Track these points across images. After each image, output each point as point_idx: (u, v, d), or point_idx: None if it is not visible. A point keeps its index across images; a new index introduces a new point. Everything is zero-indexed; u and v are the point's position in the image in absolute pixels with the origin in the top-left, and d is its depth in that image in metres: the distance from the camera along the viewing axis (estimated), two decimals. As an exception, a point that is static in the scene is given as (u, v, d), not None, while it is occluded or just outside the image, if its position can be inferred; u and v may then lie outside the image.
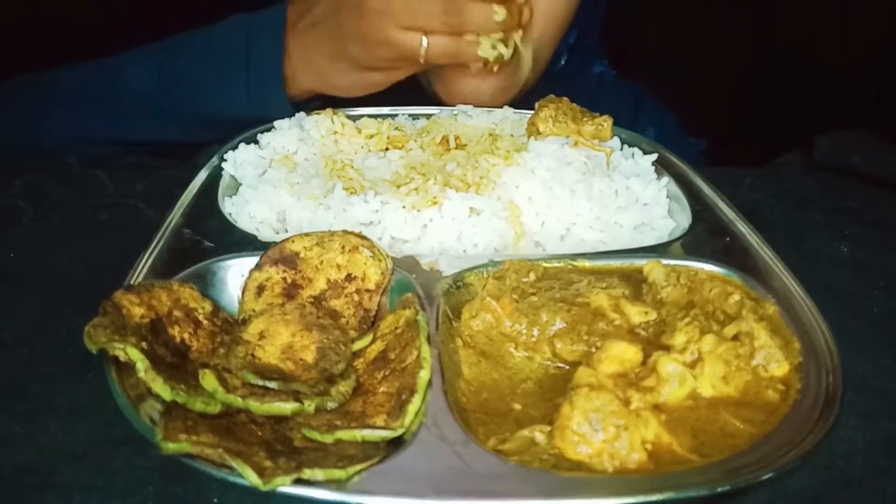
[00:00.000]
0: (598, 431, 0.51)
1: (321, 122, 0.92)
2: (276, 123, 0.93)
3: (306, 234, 0.69)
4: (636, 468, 0.50)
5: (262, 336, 0.59)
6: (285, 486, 0.47)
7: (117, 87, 1.07)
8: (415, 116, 1.00)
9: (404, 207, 0.76)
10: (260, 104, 0.99)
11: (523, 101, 1.02)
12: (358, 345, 0.62)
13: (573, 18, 1.09)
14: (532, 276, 0.68)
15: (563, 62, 1.22)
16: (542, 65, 1.11)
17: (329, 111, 0.94)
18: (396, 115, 1.00)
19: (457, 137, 0.90)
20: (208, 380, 0.53)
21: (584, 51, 1.24)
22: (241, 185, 0.84)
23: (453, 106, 1.01)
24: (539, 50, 1.07)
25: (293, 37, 0.99)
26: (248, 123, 0.97)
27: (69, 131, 1.08)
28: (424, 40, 0.89)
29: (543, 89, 1.13)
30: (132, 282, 0.65)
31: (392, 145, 0.91)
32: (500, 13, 0.90)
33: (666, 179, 0.86)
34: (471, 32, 0.90)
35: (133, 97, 1.06)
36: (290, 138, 0.91)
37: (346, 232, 0.70)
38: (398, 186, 0.80)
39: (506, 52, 0.93)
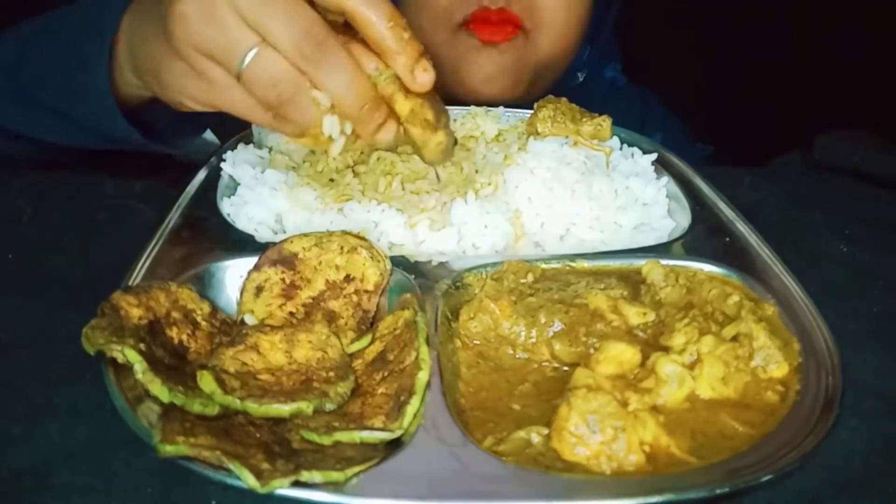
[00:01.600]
0: (595, 433, 0.51)
1: None
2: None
3: (305, 235, 0.69)
4: (634, 470, 0.50)
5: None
6: (283, 489, 0.47)
7: None
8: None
9: (404, 208, 0.76)
10: (86, 98, 0.80)
11: (524, 101, 1.02)
12: (356, 346, 0.62)
13: (585, 29, 1.11)
14: (530, 278, 0.68)
15: (581, 78, 1.22)
16: (558, 73, 1.13)
17: None
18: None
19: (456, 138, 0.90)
20: (206, 381, 0.53)
21: (598, 57, 1.24)
22: (239, 185, 0.83)
23: (472, 90, 1.03)
24: (552, 62, 1.09)
25: (128, 15, 0.76)
26: (105, 134, 0.83)
27: None
28: (254, 50, 0.61)
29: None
30: (130, 283, 0.65)
31: None
32: (383, 73, 0.64)
33: (665, 179, 0.86)
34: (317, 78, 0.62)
35: None
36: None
37: (344, 233, 0.69)
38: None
39: (336, 141, 0.65)
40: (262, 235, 0.75)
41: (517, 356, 0.63)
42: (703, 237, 0.76)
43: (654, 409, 0.54)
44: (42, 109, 0.87)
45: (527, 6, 1.04)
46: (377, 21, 0.62)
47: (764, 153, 1.10)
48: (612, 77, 1.28)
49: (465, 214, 0.75)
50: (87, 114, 0.83)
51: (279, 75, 0.61)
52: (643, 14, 1.38)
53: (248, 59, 0.61)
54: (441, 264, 0.70)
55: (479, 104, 0.99)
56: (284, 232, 0.77)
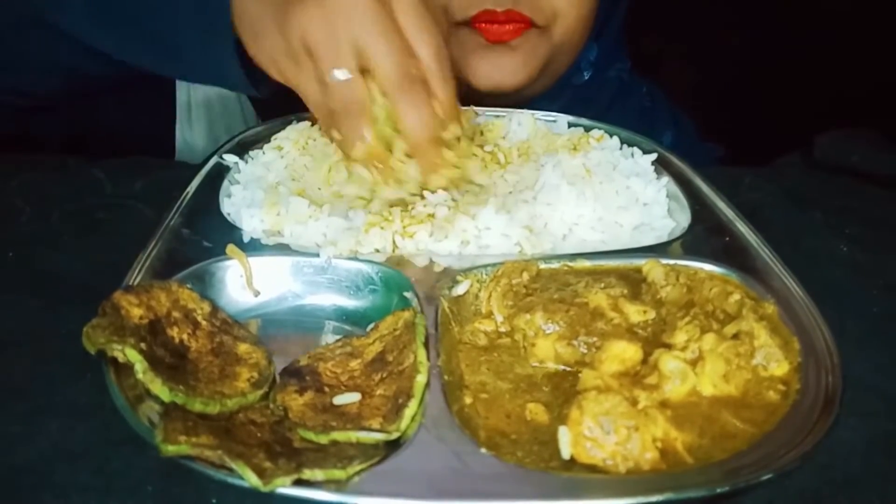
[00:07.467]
0: (609, 434, 0.50)
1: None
2: (279, 125, 0.93)
3: None
4: (650, 468, 0.50)
5: None
6: (285, 487, 0.47)
7: None
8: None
9: (406, 210, 0.76)
10: (207, 38, 0.79)
11: (530, 104, 1.02)
12: (356, 343, 0.62)
13: (594, 22, 1.10)
14: (529, 277, 0.68)
15: (586, 76, 1.21)
16: (566, 64, 1.12)
17: None
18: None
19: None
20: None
21: (604, 57, 1.23)
22: (240, 185, 0.83)
23: (481, 88, 1.02)
24: (561, 53, 1.09)
25: None
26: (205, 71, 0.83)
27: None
28: (347, 74, 0.70)
29: (561, 96, 1.14)
30: (131, 282, 0.65)
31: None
32: (453, 130, 0.74)
33: (665, 179, 0.86)
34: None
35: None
36: (292, 141, 0.90)
37: None
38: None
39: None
40: (263, 235, 0.75)
41: (517, 356, 0.63)
42: (703, 237, 0.76)
43: (662, 405, 0.54)
44: (133, 28, 0.86)
45: (535, 6, 1.03)
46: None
47: (764, 153, 1.10)
48: (616, 77, 1.27)
49: (467, 213, 0.75)
50: (196, 38, 0.81)
51: (353, 100, 0.70)
52: (650, 14, 1.38)
53: (339, 77, 0.69)
54: (441, 265, 0.70)
55: (488, 96, 0.99)
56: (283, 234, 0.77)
